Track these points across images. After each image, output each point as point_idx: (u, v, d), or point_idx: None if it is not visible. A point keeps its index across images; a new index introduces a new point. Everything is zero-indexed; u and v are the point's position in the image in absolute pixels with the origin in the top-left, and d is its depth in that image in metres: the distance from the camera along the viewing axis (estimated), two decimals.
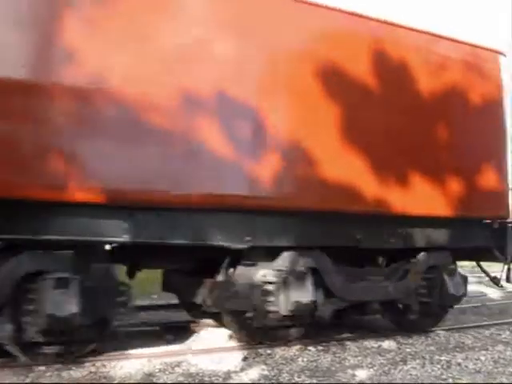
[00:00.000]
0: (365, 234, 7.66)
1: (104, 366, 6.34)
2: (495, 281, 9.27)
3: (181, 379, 6.02)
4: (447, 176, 8.19)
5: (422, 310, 8.49)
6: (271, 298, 6.99)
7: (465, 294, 8.76)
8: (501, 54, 8.94)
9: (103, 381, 5.92)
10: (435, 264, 8.40)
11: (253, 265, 7.09)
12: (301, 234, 7.18)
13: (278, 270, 7.04)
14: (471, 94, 8.51)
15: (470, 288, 14.15)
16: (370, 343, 7.77)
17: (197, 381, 5.98)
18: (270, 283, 7.01)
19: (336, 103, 7.20)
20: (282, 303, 6.96)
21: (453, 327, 9.00)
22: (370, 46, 7.62)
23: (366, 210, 7.50)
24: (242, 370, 6.40)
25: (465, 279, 8.77)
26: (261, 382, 6.03)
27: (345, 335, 8.24)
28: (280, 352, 7.13)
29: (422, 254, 8.29)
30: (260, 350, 7.13)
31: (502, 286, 9.50)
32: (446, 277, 8.39)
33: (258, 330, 7.31)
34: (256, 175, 6.72)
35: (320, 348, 7.42)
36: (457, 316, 10.12)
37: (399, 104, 7.85)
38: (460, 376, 6.39)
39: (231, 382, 6.02)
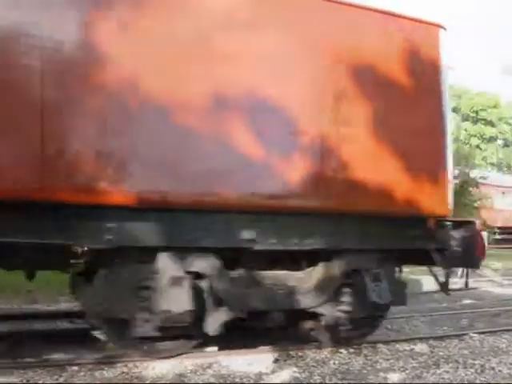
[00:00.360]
0: (260, 235, 6.70)
1: (136, 366, 6.39)
2: (443, 287, 8.19)
3: (212, 380, 6.04)
4: (371, 165, 7.13)
5: (343, 321, 7.51)
6: (145, 306, 6.33)
7: (395, 303, 7.72)
8: (441, 27, 7.82)
9: (135, 381, 5.97)
10: (357, 268, 7.39)
11: (131, 267, 6.32)
12: (178, 234, 6.29)
13: (153, 274, 6.34)
14: (410, 72, 7.47)
15: (504, 291, 14.03)
16: (403, 346, 7.70)
17: (228, 382, 6.00)
18: (144, 288, 6.35)
19: None
20: (155, 312, 6.30)
21: (487, 330, 8.87)
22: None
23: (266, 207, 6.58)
24: (273, 371, 6.40)
25: (399, 285, 7.77)
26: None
27: (377, 338, 8.18)
28: (311, 354, 7.11)
29: (340, 256, 7.30)
30: (291, 352, 7.11)
31: (449, 294, 8.54)
32: (368, 282, 7.35)
33: (135, 341, 6.55)
34: None
35: (352, 351, 7.38)
36: (491, 319, 10.00)
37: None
38: (494, 381, 6.28)
39: (262, 383, 6.02)
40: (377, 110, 7.19)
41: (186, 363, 6.52)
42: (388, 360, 7.01)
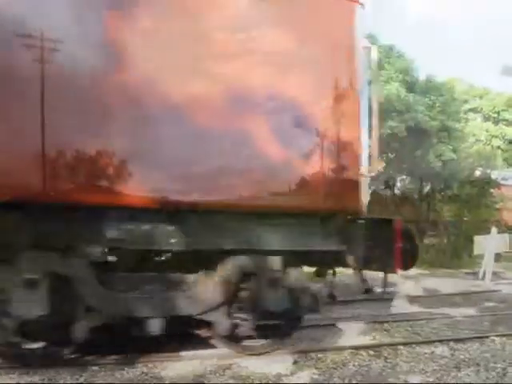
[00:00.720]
0: (130, 233, 6.09)
1: (156, 366, 6.44)
2: (366, 291, 7.46)
3: (231, 382, 6.05)
4: (266, 153, 6.36)
5: (241, 329, 6.84)
6: (1, 310, 5.83)
7: (300, 310, 7.04)
8: (356, 3, 7.00)
9: (155, 381, 6.01)
10: (253, 271, 6.70)
11: None
12: (39, 233, 5.73)
13: (10, 275, 5.82)
14: (314, 50, 6.62)
15: None
16: (423, 349, 7.63)
17: (247, 383, 6.00)
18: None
19: None
20: (11, 316, 5.80)
21: (508, 333, 8.75)
22: None
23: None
24: (293, 373, 6.39)
25: (307, 291, 6.99)
26: None
27: (397, 340, 8.12)
28: (331, 356, 7.08)
29: (233, 257, 6.58)
30: (311, 354, 7.09)
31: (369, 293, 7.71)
32: (262, 287, 6.70)
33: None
34: None
35: (371, 353, 7.33)
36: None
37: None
38: None
39: None
40: (276, 91, 6.46)
41: (205, 364, 6.55)
42: (408, 362, 6.95)
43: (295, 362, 6.77)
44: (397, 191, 23.11)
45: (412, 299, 11.89)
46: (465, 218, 23.29)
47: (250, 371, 6.39)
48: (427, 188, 22.87)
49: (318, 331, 8.28)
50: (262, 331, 6.92)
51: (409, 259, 7.21)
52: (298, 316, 7.21)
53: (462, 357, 7.32)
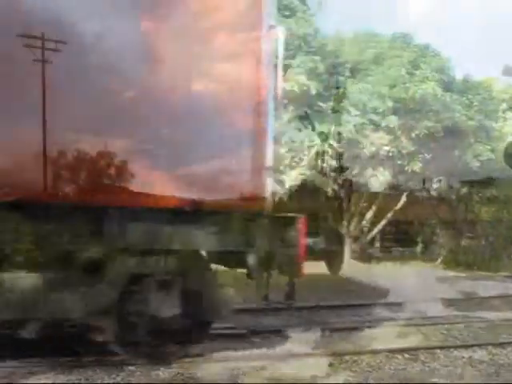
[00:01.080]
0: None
1: (191, 367, 6.45)
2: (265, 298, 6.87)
3: (266, 382, 6.04)
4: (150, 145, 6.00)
5: (133, 335, 6.32)
6: None
7: (199, 316, 6.48)
8: None
9: (190, 381, 6.03)
10: (142, 273, 6.19)
11: None
12: None
13: None
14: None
15: None
16: (461, 353, 7.50)
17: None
18: None
19: None
20: None
21: None
22: None
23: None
24: (328, 375, 6.35)
25: (210, 295, 6.45)
26: None
27: (434, 343, 8.01)
28: (366, 359, 7.01)
29: (122, 257, 6.07)
30: (346, 357, 7.03)
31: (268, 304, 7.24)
32: (149, 291, 6.21)
33: None
34: None
35: (407, 356, 7.25)
36: None
37: None
38: None
39: None
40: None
41: (240, 365, 6.55)
42: (446, 367, 6.86)
43: (330, 365, 6.72)
44: (433, 192, 22.79)
45: (448, 302, 11.70)
46: (503, 219, 22.87)
47: (285, 373, 6.37)
48: (464, 189, 22.51)
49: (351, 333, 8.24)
50: (161, 337, 6.42)
51: (332, 262, 6.71)
52: (204, 321, 6.72)
53: (501, 362, 7.20)
